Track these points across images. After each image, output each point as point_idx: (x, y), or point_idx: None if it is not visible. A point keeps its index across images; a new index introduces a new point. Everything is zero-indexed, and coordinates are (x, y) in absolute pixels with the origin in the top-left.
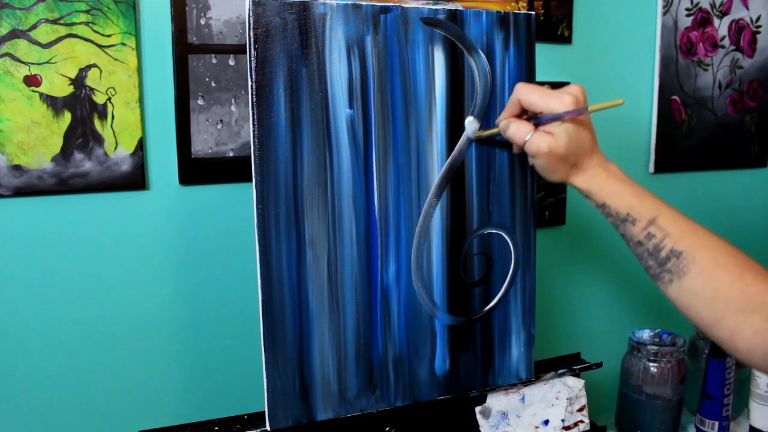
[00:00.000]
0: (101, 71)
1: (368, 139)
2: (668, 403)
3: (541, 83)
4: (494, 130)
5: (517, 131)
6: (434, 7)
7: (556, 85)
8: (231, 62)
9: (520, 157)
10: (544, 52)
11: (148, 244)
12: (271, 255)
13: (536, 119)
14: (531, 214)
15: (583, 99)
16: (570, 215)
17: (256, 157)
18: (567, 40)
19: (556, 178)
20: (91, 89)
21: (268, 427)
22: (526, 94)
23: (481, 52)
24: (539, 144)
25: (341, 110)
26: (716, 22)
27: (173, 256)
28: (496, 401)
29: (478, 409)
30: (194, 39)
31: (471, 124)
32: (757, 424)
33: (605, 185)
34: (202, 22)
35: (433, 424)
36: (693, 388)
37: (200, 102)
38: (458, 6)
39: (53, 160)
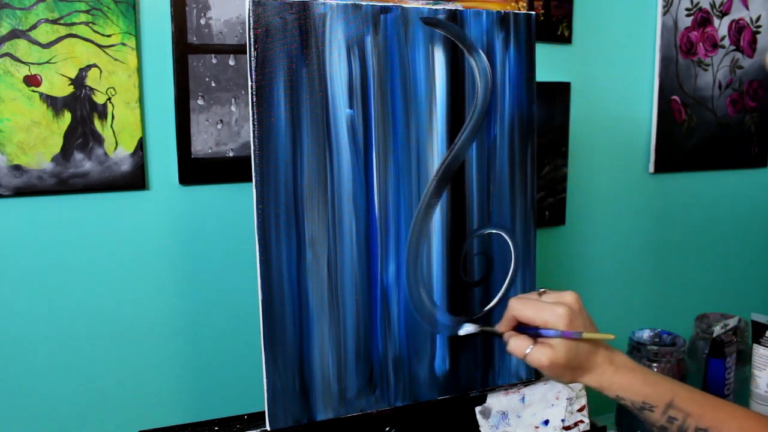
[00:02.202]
0: (101, 71)
1: (368, 139)
2: None
3: (541, 83)
4: (495, 330)
5: (517, 347)
6: (434, 7)
7: (556, 85)
8: (231, 62)
9: (520, 158)
10: (544, 52)
11: (148, 244)
12: (271, 255)
13: (534, 330)
14: (531, 214)
15: (578, 307)
16: (570, 215)
17: (256, 157)
18: (567, 40)
19: (564, 381)
20: (91, 89)
21: (268, 427)
22: (520, 310)
23: (481, 51)
24: (540, 358)
25: (341, 110)
26: (716, 22)
27: (173, 256)
28: (496, 401)
29: (478, 409)
30: (194, 39)
31: (468, 327)
32: None
33: (614, 379)
34: (202, 22)
35: (433, 424)
36: None
37: (200, 102)
38: (458, 6)
39: (53, 160)
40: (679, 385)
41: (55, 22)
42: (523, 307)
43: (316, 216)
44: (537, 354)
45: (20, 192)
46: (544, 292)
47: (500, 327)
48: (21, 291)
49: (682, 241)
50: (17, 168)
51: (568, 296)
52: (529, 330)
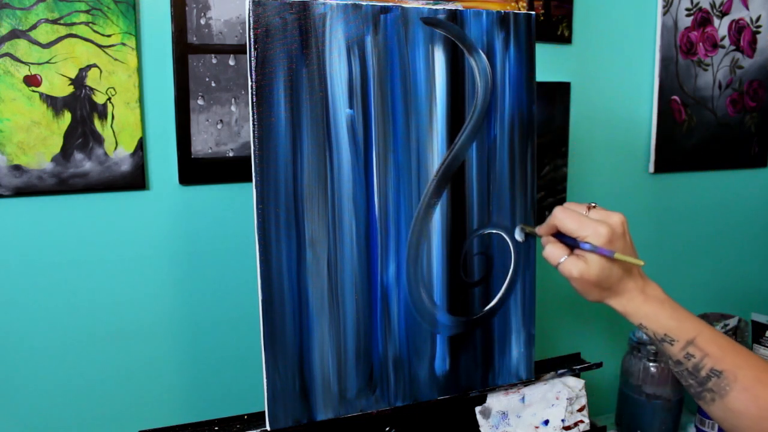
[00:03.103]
0: (101, 71)
1: (368, 139)
2: (668, 403)
3: (541, 83)
4: (535, 232)
5: (552, 254)
6: (434, 7)
7: (556, 85)
8: (231, 62)
9: (520, 158)
10: (544, 52)
11: (148, 244)
12: (271, 255)
13: (572, 241)
14: (531, 214)
15: (621, 230)
16: None
17: (256, 157)
18: (567, 40)
19: (590, 299)
20: (91, 89)
21: (268, 427)
22: (563, 220)
23: (481, 52)
24: (571, 269)
25: (341, 110)
26: (716, 22)
27: (173, 256)
28: (496, 401)
29: (478, 409)
30: (194, 39)
31: (520, 232)
32: None
33: (641, 308)
34: (202, 22)
35: (433, 424)
36: None
37: (200, 102)
38: (458, 6)
39: (53, 160)
40: (704, 325)
41: (55, 22)
42: (565, 218)
43: (316, 216)
44: (569, 265)
45: (20, 192)
46: (594, 206)
47: (540, 230)
48: (21, 291)
49: (682, 241)
50: (17, 168)
51: (615, 217)
52: (566, 240)
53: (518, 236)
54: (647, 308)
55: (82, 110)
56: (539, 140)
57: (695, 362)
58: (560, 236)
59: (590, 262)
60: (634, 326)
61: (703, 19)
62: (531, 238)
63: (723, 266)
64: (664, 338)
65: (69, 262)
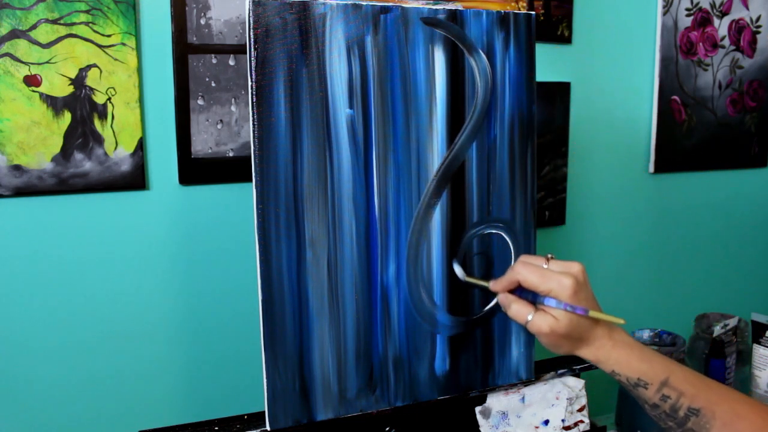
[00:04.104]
0: (101, 71)
1: (368, 139)
2: None
3: (541, 83)
4: (485, 285)
5: (518, 313)
6: (434, 7)
7: (556, 85)
8: (231, 62)
9: (520, 158)
10: (544, 52)
11: (148, 244)
12: (271, 255)
13: (535, 297)
14: (531, 213)
15: (583, 279)
16: (570, 215)
17: (256, 157)
18: (567, 40)
19: (561, 352)
20: (91, 89)
21: (268, 427)
22: (526, 276)
23: (481, 52)
24: (540, 325)
25: (341, 110)
26: (716, 22)
27: (173, 255)
28: (496, 401)
29: (478, 409)
30: (194, 39)
31: (458, 269)
32: None
33: (611, 354)
34: (202, 22)
35: (433, 424)
36: None
37: (200, 102)
38: (458, 6)
39: (53, 160)
40: (675, 364)
41: (55, 22)
42: (528, 274)
43: (316, 216)
44: (539, 321)
45: (20, 192)
46: (551, 258)
47: (497, 286)
48: (21, 291)
49: (682, 241)
50: (17, 168)
51: (575, 267)
52: (526, 295)
53: (458, 273)
54: (617, 354)
55: (82, 110)
56: (539, 140)
57: (672, 403)
58: (520, 292)
59: (559, 316)
60: (631, 332)
61: (703, 19)
62: (476, 286)
63: (723, 266)
64: (638, 382)
65: (69, 262)
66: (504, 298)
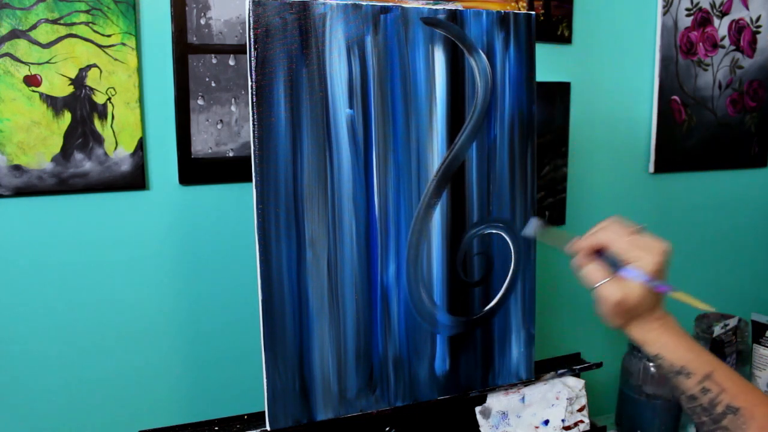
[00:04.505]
0: (101, 71)
1: (368, 139)
2: (668, 403)
3: (541, 83)
4: (558, 242)
5: (592, 275)
6: (434, 7)
7: (556, 85)
8: (231, 62)
9: (520, 158)
10: (544, 52)
11: (148, 244)
12: (271, 255)
13: (614, 263)
14: (531, 213)
15: (668, 258)
16: (570, 215)
17: (256, 157)
18: (567, 40)
19: (614, 325)
20: (91, 89)
21: (268, 427)
22: (615, 240)
23: (481, 51)
24: (612, 293)
25: (341, 110)
26: (716, 22)
27: (173, 255)
28: (496, 401)
29: (478, 409)
30: (194, 39)
31: (534, 222)
32: None
33: (661, 337)
34: (202, 22)
35: (433, 424)
36: None
37: (200, 102)
38: (458, 6)
39: (53, 160)
40: (719, 361)
41: (55, 22)
42: (618, 238)
43: (316, 216)
44: (612, 289)
45: (20, 192)
46: (642, 228)
47: (578, 245)
48: (21, 291)
49: (682, 241)
50: (17, 168)
51: (665, 244)
52: (607, 259)
53: (528, 231)
54: (666, 338)
55: (82, 110)
56: (539, 140)
57: (711, 397)
58: (598, 255)
59: (632, 289)
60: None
61: (703, 19)
62: (534, 239)
63: (723, 266)
64: (681, 370)
65: (69, 262)
66: (580, 258)
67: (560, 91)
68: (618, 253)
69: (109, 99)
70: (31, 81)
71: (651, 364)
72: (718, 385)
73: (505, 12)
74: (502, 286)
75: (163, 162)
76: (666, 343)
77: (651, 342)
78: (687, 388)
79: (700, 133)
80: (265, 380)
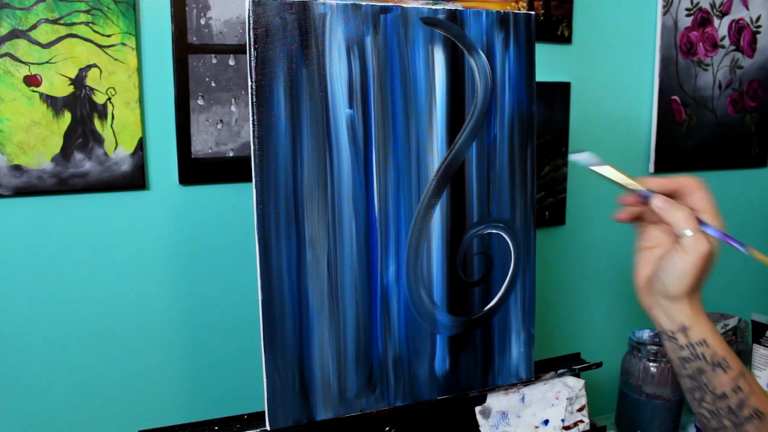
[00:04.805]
0: (101, 71)
1: (368, 139)
2: (668, 403)
3: (541, 83)
4: (622, 181)
5: (684, 220)
6: (434, 7)
7: (556, 85)
8: (231, 62)
9: (520, 158)
10: (544, 52)
11: (148, 244)
12: (271, 255)
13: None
14: (531, 214)
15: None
16: (570, 215)
17: (256, 157)
18: (567, 40)
19: (685, 287)
20: (91, 89)
21: (268, 427)
22: (701, 195)
23: (481, 51)
24: (704, 245)
25: (341, 110)
26: (716, 22)
27: (173, 256)
28: (496, 401)
29: (478, 409)
30: (194, 39)
31: (590, 158)
32: None
33: (707, 324)
34: (202, 22)
35: (433, 424)
36: None
37: (200, 102)
38: (458, 6)
39: (53, 160)
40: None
41: (55, 22)
42: (704, 194)
43: (316, 216)
44: (704, 240)
45: (20, 192)
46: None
47: (658, 183)
48: (21, 291)
49: None
50: (17, 168)
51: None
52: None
53: (580, 159)
54: (711, 326)
55: (82, 110)
56: (539, 140)
57: (742, 398)
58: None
59: (714, 246)
60: (631, 332)
61: (703, 19)
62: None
63: (723, 266)
64: (722, 362)
65: (69, 262)
66: (665, 201)
67: (560, 91)
68: (700, 207)
69: (109, 99)
70: (31, 81)
71: (651, 364)
72: (749, 385)
73: (504, 12)
74: (502, 286)
75: (163, 162)
76: (713, 330)
77: (702, 324)
78: (720, 383)
79: (700, 133)
80: (265, 380)
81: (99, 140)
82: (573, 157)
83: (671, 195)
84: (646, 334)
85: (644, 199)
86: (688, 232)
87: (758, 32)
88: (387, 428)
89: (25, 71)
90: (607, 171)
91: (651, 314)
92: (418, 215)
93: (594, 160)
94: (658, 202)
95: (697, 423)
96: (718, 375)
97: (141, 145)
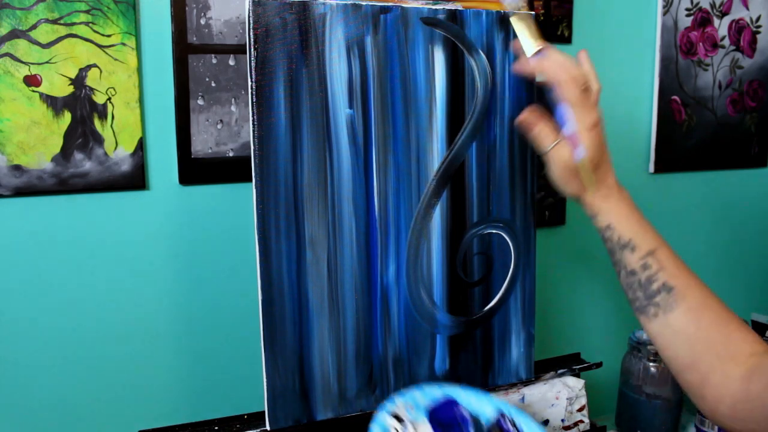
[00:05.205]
0: (101, 71)
1: (368, 139)
2: (668, 403)
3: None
4: (526, 41)
5: (543, 139)
6: (434, 7)
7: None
8: (231, 62)
9: (520, 158)
10: None
11: (148, 244)
12: (271, 255)
13: (560, 118)
14: (531, 213)
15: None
16: (570, 215)
17: (256, 157)
18: (567, 40)
19: (568, 191)
20: (91, 89)
21: (268, 427)
22: (569, 92)
23: (481, 52)
24: (561, 156)
25: (341, 110)
26: (716, 22)
27: (173, 256)
28: None
29: None
30: (194, 39)
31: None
32: None
33: (615, 208)
34: (202, 22)
35: None
36: None
37: (200, 102)
38: (458, 6)
39: (53, 160)
40: (664, 240)
41: (55, 22)
42: (572, 89)
43: (316, 216)
44: (561, 151)
45: (20, 192)
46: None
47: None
48: (21, 291)
49: (681, 241)
50: (17, 168)
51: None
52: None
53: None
54: (619, 208)
55: (82, 110)
56: None
57: (650, 274)
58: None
59: (570, 151)
60: (631, 332)
61: (703, 19)
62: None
63: (723, 266)
64: (628, 243)
65: (69, 263)
66: (528, 116)
67: None
68: (568, 108)
69: (109, 99)
70: (31, 81)
71: (651, 364)
72: (658, 262)
73: (505, 12)
74: (502, 286)
75: (163, 162)
76: (619, 214)
77: (605, 211)
78: (629, 262)
79: (700, 133)
80: (265, 380)
81: (99, 140)
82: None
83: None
84: (646, 334)
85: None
86: (548, 150)
87: (758, 32)
88: None
89: (25, 71)
90: (520, 26)
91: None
92: (418, 215)
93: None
94: (521, 120)
95: (696, 423)
96: (625, 255)
97: (141, 145)
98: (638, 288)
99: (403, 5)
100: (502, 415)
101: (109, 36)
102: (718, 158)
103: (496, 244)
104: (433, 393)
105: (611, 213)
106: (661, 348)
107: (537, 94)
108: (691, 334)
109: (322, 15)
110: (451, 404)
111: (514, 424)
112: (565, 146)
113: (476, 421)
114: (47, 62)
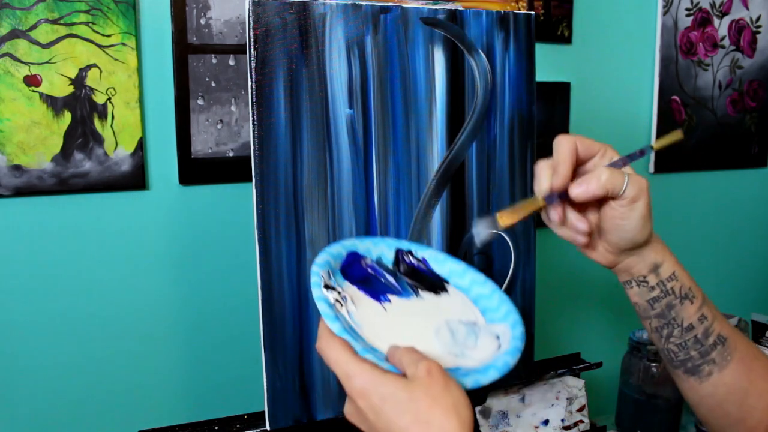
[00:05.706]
0: (101, 71)
1: (368, 139)
2: (668, 403)
3: (541, 83)
4: (527, 210)
5: (612, 176)
6: (434, 7)
7: (556, 85)
8: (231, 62)
9: (520, 158)
10: (544, 52)
11: (148, 244)
12: (271, 255)
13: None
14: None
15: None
16: None
17: (256, 157)
18: (567, 40)
19: (650, 228)
20: (91, 89)
21: (268, 427)
22: (590, 145)
23: (481, 52)
24: (641, 178)
25: (341, 110)
26: (716, 22)
27: (173, 256)
28: (495, 401)
29: (478, 409)
30: (194, 39)
31: (483, 226)
32: None
33: (673, 255)
34: (202, 22)
35: None
36: None
37: (200, 102)
38: (458, 6)
39: (53, 160)
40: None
41: (55, 22)
42: (587, 141)
43: (316, 216)
44: (635, 176)
45: (20, 192)
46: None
47: (558, 185)
48: (21, 291)
49: (681, 241)
50: (17, 168)
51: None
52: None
53: (481, 230)
54: (676, 258)
55: (82, 110)
56: (539, 140)
57: (706, 326)
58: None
59: (643, 178)
60: (631, 332)
61: (703, 19)
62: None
63: (723, 266)
64: (688, 293)
65: (69, 262)
66: (581, 184)
67: (560, 91)
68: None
69: (109, 99)
70: (31, 81)
71: (651, 364)
72: (711, 311)
73: (504, 12)
74: (501, 286)
75: (163, 162)
76: (678, 262)
77: (667, 259)
78: (687, 315)
79: (700, 133)
80: (265, 380)
81: (99, 140)
82: (476, 231)
83: (577, 170)
84: (646, 334)
85: (561, 200)
86: (626, 180)
87: (758, 32)
88: None
89: (25, 71)
90: (507, 219)
91: (617, 269)
92: (418, 215)
93: (487, 226)
94: (575, 189)
95: (696, 423)
96: (685, 307)
97: (141, 145)
98: (693, 346)
99: (403, 5)
100: (399, 251)
101: (109, 36)
102: (718, 158)
103: (497, 244)
104: (337, 252)
105: (672, 261)
106: (708, 409)
107: (537, 95)
108: (744, 388)
109: (322, 15)
110: (356, 258)
111: (413, 255)
112: (636, 177)
113: (383, 266)
114: (47, 62)
